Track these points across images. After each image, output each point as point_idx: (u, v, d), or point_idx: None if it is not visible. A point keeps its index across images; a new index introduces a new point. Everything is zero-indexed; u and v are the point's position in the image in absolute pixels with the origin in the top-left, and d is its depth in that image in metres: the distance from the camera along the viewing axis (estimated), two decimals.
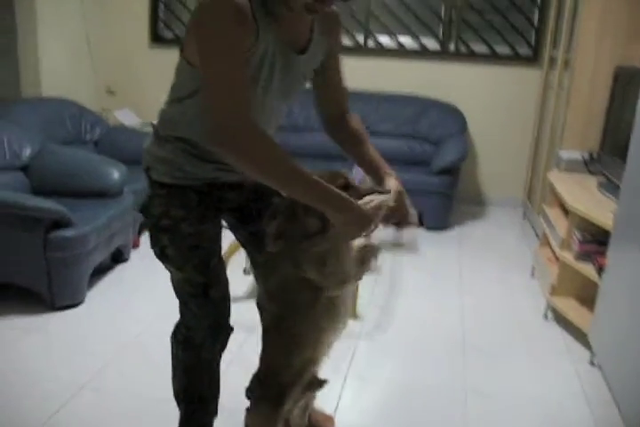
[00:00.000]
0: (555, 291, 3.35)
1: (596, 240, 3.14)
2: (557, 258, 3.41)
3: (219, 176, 1.84)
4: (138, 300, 3.44)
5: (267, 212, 1.77)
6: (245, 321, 2.75)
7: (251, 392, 1.89)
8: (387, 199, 1.67)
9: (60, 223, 3.16)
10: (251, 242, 2.02)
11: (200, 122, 1.59)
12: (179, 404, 2.13)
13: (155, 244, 1.89)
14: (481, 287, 3.84)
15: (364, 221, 1.63)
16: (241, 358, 2.78)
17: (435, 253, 4.37)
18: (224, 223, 2.00)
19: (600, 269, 2.95)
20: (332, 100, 1.99)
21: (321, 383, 1.93)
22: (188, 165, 1.79)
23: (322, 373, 1.99)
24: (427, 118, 5.14)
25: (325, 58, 1.88)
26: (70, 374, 2.70)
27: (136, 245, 4.12)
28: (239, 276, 3.71)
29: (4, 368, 2.72)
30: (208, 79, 1.54)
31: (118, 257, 3.86)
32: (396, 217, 1.79)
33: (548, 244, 3.82)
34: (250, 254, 2.08)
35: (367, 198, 1.64)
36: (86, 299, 3.37)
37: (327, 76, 1.93)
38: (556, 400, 2.69)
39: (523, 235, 4.84)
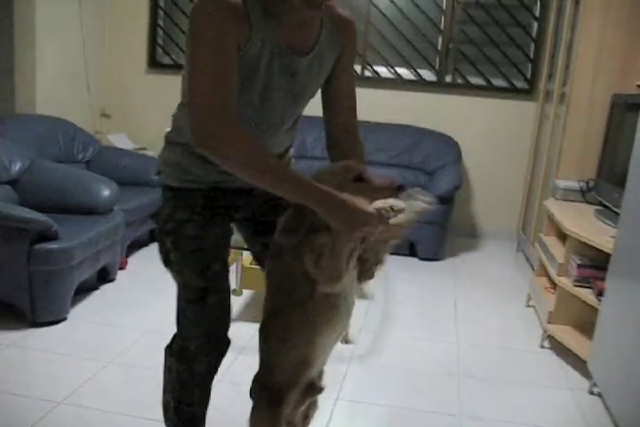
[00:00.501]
0: (552, 318, 3.27)
1: (594, 265, 3.07)
2: (555, 286, 3.34)
3: (223, 180, 1.79)
4: (122, 319, 3.33)
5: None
6: (236, 341, 2.75)
7: (251, 394, 1.80)
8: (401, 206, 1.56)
9: (45, 236, 3.07)
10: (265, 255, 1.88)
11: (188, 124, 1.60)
12: (167, 421, 2.02)
13: (161, 249, 1.86)
14: (476, 316, 3.75)
15: (357, 221, 1.52)
16: (230, 377, 2.72)
17: (428, 283, 4.29)
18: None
19: (599, 294, 2.88)
20: (339, 118, 1.86)
21: (319, 390, 1.83)
22: (194, 167, 1.77)
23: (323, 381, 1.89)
24: (422, 149, 5.12)
25: (335, 65, 1.80)
26: (48, 389, 2.58)
27: (123, 267, 4.02)
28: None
29: None
30: (190, 78, 1.55)
31: (105, 276, 3.76)
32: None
33: (545, 273, 3.76)
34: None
35: (382, 202, 1.54)
36: (69, 316, 3.26)
37: (334, 89, 1.83)
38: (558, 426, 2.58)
39: (517, 267, 4.77)
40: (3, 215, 2.97)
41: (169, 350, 1.95)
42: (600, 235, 3.02)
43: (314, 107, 1.88)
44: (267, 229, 1.84)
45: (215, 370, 1.98)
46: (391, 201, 1.56)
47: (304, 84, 1.76)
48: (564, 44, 4.40)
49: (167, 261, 1.85)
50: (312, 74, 1.75)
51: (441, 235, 4.73)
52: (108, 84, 5.62)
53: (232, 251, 3.34)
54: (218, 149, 1.52)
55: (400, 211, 1.55)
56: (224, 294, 1.89)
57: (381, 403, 2.68)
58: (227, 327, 1.93)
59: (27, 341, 2.99)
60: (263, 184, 1.57)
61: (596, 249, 3.03)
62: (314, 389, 1.82)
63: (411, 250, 4.76)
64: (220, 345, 1.93)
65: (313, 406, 1.92)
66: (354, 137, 1.88)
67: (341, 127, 1.87)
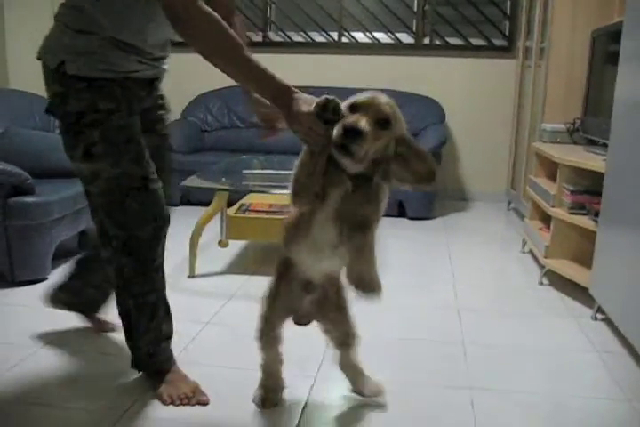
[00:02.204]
0: (549, 253, 3.19)
1: (588, 191, 3.00)
2: (549, 226, 3.27)
3: (138, 69, 1.86)
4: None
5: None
6: (224, 291, 3.05)
7: None
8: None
9: (21, 190, 2.96)
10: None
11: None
12: (132, 318, 2.00)
13: (74, 145, 1.82)
14: (471, 263, 3.66)
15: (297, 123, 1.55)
16: (217, 321, 2.71)
17: (420, 238, 4.18)
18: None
19: (596, 215, 2.80)
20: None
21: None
22: (113, 56, 1.78)
23: None
24: (404, 112, 4.82)
25: None
26: (25, 339, 2.46)
27: None
28: (214, 248, 3.50)
29: None
30: None
31: (85, 243, 3.63)
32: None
33: (538, 215, 3.69)
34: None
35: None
36: (50, 277, 3.13)
37: None
38: (562, 351, 2.49)
39: (509, 223, 4.70)
40: None
41: (105, 249, 1.92)
42: (591, 161, 2.95)
43: None
44: (149, 126, 2.00)
45: (163, 257, 2.00)
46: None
47: None
48: (541, 0, 4.36)
49: (88, 156, 1.81)
50: None
51: (429, 194, 4.63)
52: None
53: (216, 199, 3.28)
54: (192, 26, 1.60)
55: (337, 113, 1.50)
56: (159, 183, 1.93)
57: (387, 335, 2.58)
58: (168, 213, 1.97)
59: (6, 298, 2.87)
60: (223, 63, 1.63)
61: (589, 175, 2.97)
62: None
63: (400, 210, 4.67)
64: (166, 226, 1.96)
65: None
66: (235, 16, 2.00)
67: (224, 8, 1.92)
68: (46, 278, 3.10)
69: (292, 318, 1.88)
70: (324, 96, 1.50)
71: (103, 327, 2.50)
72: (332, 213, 1.61)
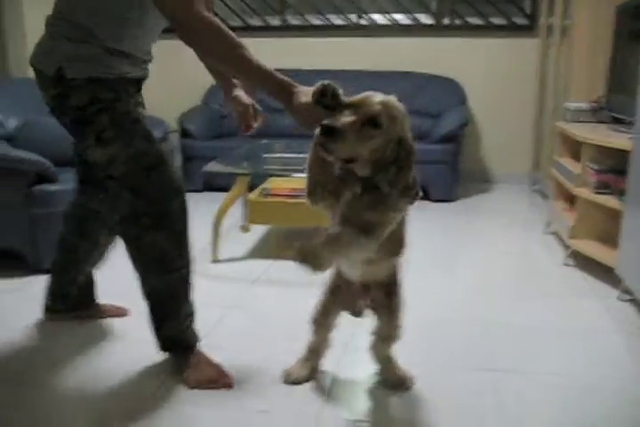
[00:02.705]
0: (574, 233, 3.15)
1: (613, 170, 2.95)
2: (573, 205, 3.23)
3: (130, 71, 1.94)
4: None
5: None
6: (246, 276, 3.07)
7: None
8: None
9: (43, 178, 2.98)
10: None
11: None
12: (161, 305, 2.03)
13: (85, 135, 1.87)
14: (495, 245, 3.64)
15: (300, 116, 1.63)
16: (241, 305, 2.73)
17: (442, 220, 4.16)
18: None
19: (621, 194, 2.76)
20: None
21: None
22: (107, 60, 1.86)
23: None
24: (425, 93, 5.00)
25: None
26: (49, 326, 2.49)
27: None
28: (237, 233, 3.51)
29: None
30: None
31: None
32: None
33: (562, 196, 3.65)
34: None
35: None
36: None
37: None
38: (588, 332, 2.46)
39: (532, 204, 4.64)
40: (0, 156, 2.89)
41: (135, 226, 1.92)
42: (616, 139, 2.90)
43: None
44: None
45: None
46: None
47: None
48: None
49: (101, 143, 1.86)
50: None
51: (452, 175, 4.60)
52: None
53: (237, 184, 3.28)
54: (198, 35, 1.69)
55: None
56: (171, 161, 2.00)
57: (412, 318, 2.56)
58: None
59: (30, 285, 2.89)
60: (230, 66, 1.75)
61: (614, 154, 2.92)
62: None
63: (422, 192, 4.62)
64: (185, 197, 2.00)
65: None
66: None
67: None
68: None
69: (347, 310, 1.94)
70: (319, 82, 1.54)
71: (111, 312, 2.54)
72: (340, 217, 1.62)
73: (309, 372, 2.05)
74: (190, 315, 2.06)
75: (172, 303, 2.01)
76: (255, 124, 2.26)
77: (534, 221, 4.09)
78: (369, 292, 1.89)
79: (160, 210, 1.91)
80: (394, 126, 1.50)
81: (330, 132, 1.44)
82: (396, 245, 1.77)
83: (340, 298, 1.94)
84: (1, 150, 2.94)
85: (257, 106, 2.26)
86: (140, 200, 1.90)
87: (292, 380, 2.03)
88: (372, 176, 1.54)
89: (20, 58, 4.65)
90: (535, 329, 2.47)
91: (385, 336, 1.93)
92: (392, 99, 1.53)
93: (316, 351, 2.06)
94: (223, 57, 1.73)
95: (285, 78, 1.68)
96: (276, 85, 1.67)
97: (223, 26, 1.69)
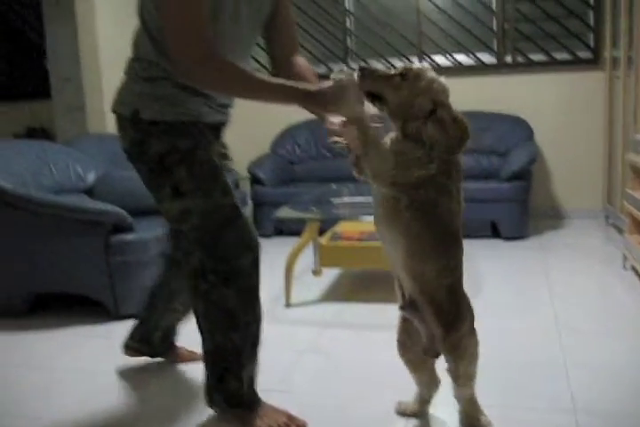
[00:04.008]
0: None
1: None
2: None
3: (207, 113, 1.92)
4: None
5: None
6: (319, 320, 3.11)
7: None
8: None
9: (121, 228, 3.10)
10: None
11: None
12: (222, 361, 1.96)
13: (161, 186, 1.85)
14: (570, 282, 3.53)
15: (333, 97, 1.67)
16: (315, 349, 2.74)
17: (515, 259, 4.09)
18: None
19: None
20: (282, 41, 2.03)
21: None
22: (182, 99, 1.84)
23: None
24: (491, 132, 4.99)
25: None
26: (130, 370, 2.56)
27: None
28: (309, 278, 3.54)
29: (62, 367, 2.62)
30: (166, 14, 1.67)
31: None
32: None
33: (637, 231, 3.54)
34: None
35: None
36: None
37: (279, 15, 1.97)
38: None
39: (608, 239, 4.51)
40: (80, 208, 3.04)
41: (204, 282, 1.88)
42: None
43: None
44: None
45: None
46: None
47: (264, 9, 1.90)
48: (625, 10, 4.25)
49: (178, 195, 1.83)
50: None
51: (522, 213, 4.54)
52: None
53: (307, 228, 3.32)
54: (204, 82, 1.73)
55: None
56: (246, 215, 1.95)
57: (488, 358, 2.51)
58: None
59: (110, 332, 2.99)
60: (250, 98, 1.76)
61: None
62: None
63: (493, 231, 4.59)
64: (259, 252, 1.95)
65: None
66: (297, 55, 2.06)
67: (289, 49, 2.04)
68: None
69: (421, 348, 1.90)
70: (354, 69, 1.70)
71: (187, 357, 2.55)
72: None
73: (418, 406, 2.03)
74: (253, 376, 2.01)
75: (236, 362, 1.94)
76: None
77: (611, 256, 3.97)
78: (418, 313, 1.80)
79: (229, 267, 1.86)
80: (419, 82, 1.66)
81: (363, 71, 1.66)
82: (429, 245, 1.73)
83: (404, 329, 1.91)
84: (81, 203, 3.10)
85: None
86: (209, 257, 1.86)
87: (399, 410, 2.05)
88: (405, 126, 1.69)
89: (97, 114, 4.89)
90: (615, 369, 2.39)
91: (453, 377, 1.86)
92: (426, 67, 1.71)
93: (419, 385, 2.02)
94: (240, 94, 1.79)
95: (308, 87, 1.73)
96: (302, 96, 1.70)
97: (231, 63, 1.71)
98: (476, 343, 1.84)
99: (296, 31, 2.11)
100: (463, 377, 1.84)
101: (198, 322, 1.98)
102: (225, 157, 2.12)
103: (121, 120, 1.90)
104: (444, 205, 1.72)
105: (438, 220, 1.72)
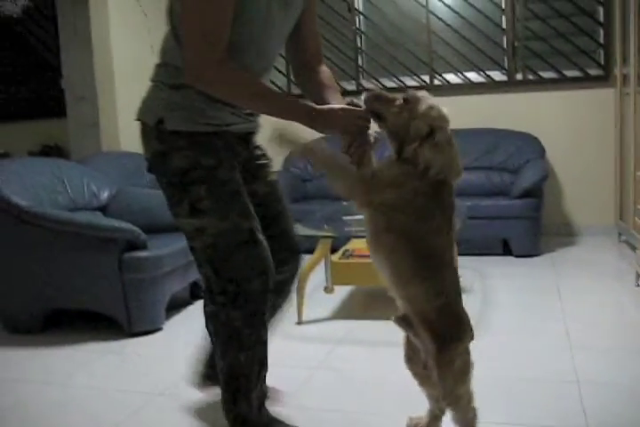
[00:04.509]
0: None
1: None
2: None
3: (234, 122, 1.87)
4: None
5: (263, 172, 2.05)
6: (331, 337, 3.10)
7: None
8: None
9: (134, 245, 3.13)
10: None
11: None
12: (233, 382, 1.90)
13: (179, 201, 1.82)
14: (583, 299, 3.53)
15: (337, 121, 1.74)
16: (326, 365, 2.74)
17: (528, 276, 4.08)
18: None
19: None
20: (306, 47, 2.00)
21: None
22: (210, 109, 1.80)
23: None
24: (503, 149, 5.01)
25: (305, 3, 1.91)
26: (143, 386, 2.57)
27: None
28: (321, 295, 3.55)
29: (77, 384, 2.65)
30: (186, 15, 1.66)
31: (197, 293, 3.77)
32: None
33: None
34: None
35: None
36: (165, 327, 3.27)
37: (303, 22, 1.95)
38: None
39: (621, 256, 4.50)
40: (93, 226, 3.07)
41: (212, 303, 1.86)
42: None
43: None
44: (254, 175, 2.01)
45: (272, 311, 1.98)
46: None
47: (290, 19, 1.87)
48: (635, 27, 4.27)
49: (195, 212, 1.79)
50: (295, 6, 1.86)
51: (534, 230, 4.54)
52: None
53: (319, 246, 3.34)
54: (212, 87, 1.70)
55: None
56: (261, 233, 1.90)
57: (500, 376, 2.51)
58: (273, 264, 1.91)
59: (123, 348, 3.02)
60: (256, 109, 1.82)
61: None
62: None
63: (505, 248, 4.59)
64: (271, 280, 1.88)
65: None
66: (321, 64, 2.04)
67: (316, 58, 2.02)
68: (161, 329, 3.24)
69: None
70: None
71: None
72: None
73: (430, 421, 2.01)
74: (262, 397, 1.97)
75: (246, 383, 1.90)
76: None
77: (625, 273, 3.96)
78: (411, 328, 1.81)
79: (238, 290, 1.82)
80: (418, 107, 1.71)
81: (370, 93, 1.79)
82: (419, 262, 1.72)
83: (408, 344, 1.91)
84: (95, 220, 3.14)
85: None
86: (218, 278, 1.83)
87: (410, 425, 2.04)
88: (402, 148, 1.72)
89: (111, 132, 4.95)
90: (629, 388, 2.38)
91: (442, 395, 1.81)
92: (427, 95, 1.77)
93: (429, 399, 1.99)
94: (246, 103, 1.79)
95: (309, 104, 1.76)
96: (305, 114, 1.73)
97: (242, 73, 1.72)
98: (467, 363, 1.79)
99: (321, 40, 2.08)
100: (451, 397, 1.80)
101: (212, 342, 1.96)
102: (262, 157, 2.08)
103: (145, 129, 1.85)
104: (426, 228, 1.70)
105: (420, 243, 1.70)
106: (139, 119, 1.87)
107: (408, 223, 1.69)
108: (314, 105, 1.77)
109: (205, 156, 1.79)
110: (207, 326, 1.95)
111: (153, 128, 1.80)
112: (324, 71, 2.01)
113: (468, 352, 1.79)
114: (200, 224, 1.80)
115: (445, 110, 1.75)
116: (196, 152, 1.79)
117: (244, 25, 1.72)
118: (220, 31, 1.65)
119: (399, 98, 1.74)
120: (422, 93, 1.76)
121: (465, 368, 1.79)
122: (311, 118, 1.73)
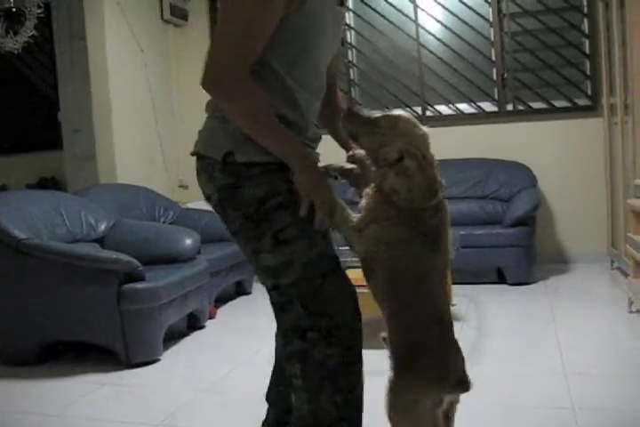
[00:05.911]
0: None
1: None
2: None
3: None
4: (216, 360, 3.28)
5: None
6: None
7: None
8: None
9: (132, 276, 3.16)
10: None
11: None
12: (340, 417, 1.68)
13: (260, 235, 1.65)
14: (577, 326, 3.56)
15: (310, 185, 1.64)
16: None
17: (522, 305, 4.12)
18: None
19: None
20: (332, 69, 1.94)
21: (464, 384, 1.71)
22: None
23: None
24: (494, 178, 5.09)
25: None
26: (141, 417, 2.58)
27: (213, 316, 4.06)
28: None
29: (75, 415, 2.65)
30: (223, 24, 1.61)
31: (194, 324, 3.79)
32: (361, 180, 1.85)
33: None
34: None
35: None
36: (162, 358, 3.28)
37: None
38: None
39: (614, 283, 4.55)
40: (92, 257, 3.11)
41: (304, 342, 1.66)
42: None
43: None
44: None
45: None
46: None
47: (338, 37, 1.84)
48: (620, 58, 4.39)
49: (281, 242, 1.64)
50: (340, 23, 1.83)
51: (528, 258, 4.59)
52: (184, 156, 5.85)
53: None
54: (224, 99, 1.62)
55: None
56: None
57: (495, 403, 2.52)
58: None
59: (121, 379, 3.03)
60: (254, 135, 1.62)
61: None
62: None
63: (499, 276, 4.63)
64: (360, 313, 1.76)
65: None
66: (335, 83, 2.03)
67: (333, 78, 1.99)
68: (158, 360, 3.26)
69: None
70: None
71: None
72: None
73: None
74: None
75: (353, 423, 1.71)
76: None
77: (617, 299, 4.00)
78: None
79: (333, 323, 1.65)
80: (391, 131, 1.67)
81: (349, 112, 1.75)
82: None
83: None
84: (94, 252, 3.17)
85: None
86: (309, 313, 1.65)
87: None
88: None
89: (108, 164, 5.01)
90: (625, 414, 2.40)
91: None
92: (405, 116, 1.72)
93: None
94: (250, 127, 1.63)
95: (301, 149, 1.67)
96: (299, 155, 1.65)
97: (259, 93, 1.60)
98: (410, 413, 1.71)
99: (339, 60, 2.05)
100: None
101: (292, 386, 1.73)
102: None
103: (206, 164, 1.70)
104: (406, 264, 1.68)
105: (403, 281, 1.69)
106: (197, 154, 1.75)
107: (387, 254, 1.68)
108: (310, 157, 1.70)
109: (281, 181, 1.67)
110: (290, 370, 1.72)
111: (217, 162, 1.67)
112: (337, 93, 2.03)
113: (440, 406, 1.70)
114: (286, 256, 1.65)
115: (426, 129, 1.71)
116: (271, 178, 1.66)
117: (302, 38, 1.66)
118: (252, 47, 1.58)
119: (374, 119, 1.70)
120: (401, 114, 1.70)
121: (409, 414, 1.69)
122: (301, 164, 1.64)
